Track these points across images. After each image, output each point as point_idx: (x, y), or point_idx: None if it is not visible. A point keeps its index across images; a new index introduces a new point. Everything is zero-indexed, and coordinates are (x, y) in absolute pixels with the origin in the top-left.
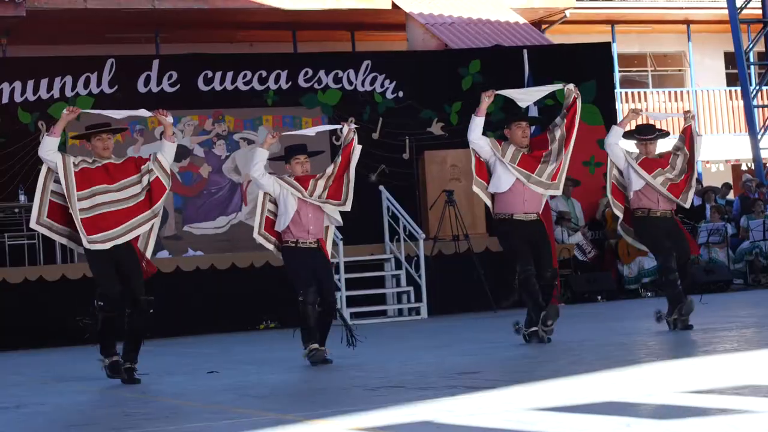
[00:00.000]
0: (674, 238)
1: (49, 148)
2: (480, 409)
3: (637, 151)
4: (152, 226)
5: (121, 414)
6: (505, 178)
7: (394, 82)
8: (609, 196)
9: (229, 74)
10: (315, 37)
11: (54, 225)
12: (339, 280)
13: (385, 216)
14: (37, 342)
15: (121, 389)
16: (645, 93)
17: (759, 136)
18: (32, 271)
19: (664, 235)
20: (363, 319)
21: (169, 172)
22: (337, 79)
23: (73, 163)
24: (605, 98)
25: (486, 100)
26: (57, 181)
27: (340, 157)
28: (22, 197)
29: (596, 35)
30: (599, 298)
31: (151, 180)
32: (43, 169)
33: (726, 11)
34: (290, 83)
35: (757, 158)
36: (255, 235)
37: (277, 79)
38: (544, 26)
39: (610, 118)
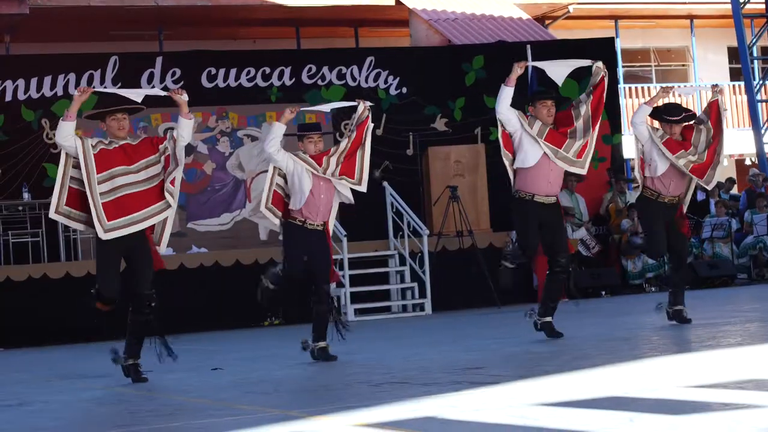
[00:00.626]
0: (672, 234)
1: (66, 133)
2: (484, 405)
3: (662, 130)
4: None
5: (126, 411)
6: (532, 152)
7: (398, 78)
8: (637, 172)
9: (233, 71)
10: (318, 33)
11: (72, 212)
12: (343, 276)
13: (389, 212)
14: (40, 340)
15: (125, 386)
16: (649, 88)
17: (762, 131)
18: (36, 269)
19: (662, 225)
20: (367, 316)
21: (181, 155)
22: (341, 76)
23: (91, 145)
24: (609, 93)
25: (518, 70)
26: (76, 166)
27: (354, 133)
28: (26, 195)
29: (600, 30)
30: (603, 293)
31: (165, 156)
32: (62, 156)
33: (729, 6)
34: (294, 80)
35: (760, 152)
36: (262, 208)
37: (280, 76)
38: (547, 22)
39: (613, 113)
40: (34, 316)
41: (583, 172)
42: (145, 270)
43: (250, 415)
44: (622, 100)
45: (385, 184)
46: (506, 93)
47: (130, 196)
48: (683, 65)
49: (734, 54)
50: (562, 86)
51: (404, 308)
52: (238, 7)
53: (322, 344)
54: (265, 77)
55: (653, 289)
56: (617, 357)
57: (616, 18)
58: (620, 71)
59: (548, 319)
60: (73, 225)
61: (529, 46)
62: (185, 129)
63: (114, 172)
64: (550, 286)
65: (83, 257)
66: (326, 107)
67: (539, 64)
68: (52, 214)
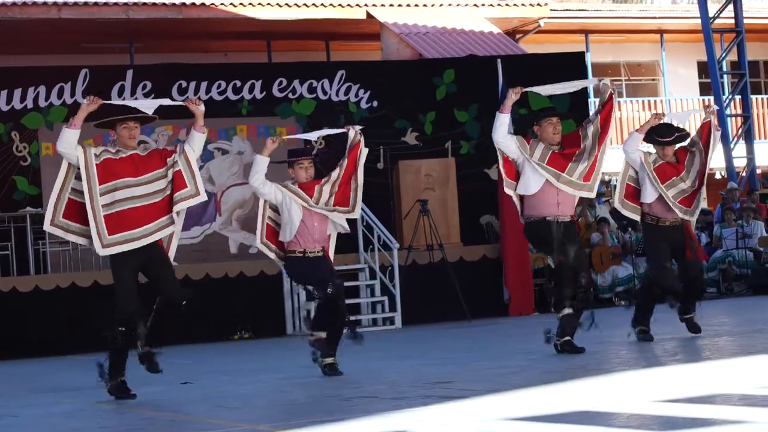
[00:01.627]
0: (680, 254)
1: (68, 141)
2: (453, 419)
3: (654, 153)
4: (176, 227)
5: (96, 426)
6: (534, 179)
7: (369, 92)
8: (620, 200)
9: (204, 84)
10: (290, 47)
11: (71, 225)
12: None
13: (360, 226)
14: (9, 353)
15: (96, 401)
16: (619, 102)
17: (732, 145)
18: (5, 282)
19: (668, 250)
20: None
21: (195, 171)
22: (312, 89)
23: (95, 154)
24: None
25: (513, 96)
26: (78, 177)
27: (346, 161)
28: None
29: (570, 45)
30: None
31: (174, 172)
32: (63, 166)
33: (699, 21)
34: (264, 93)
35: (730, 167)
36: (257, 243)
37: (251, 89)
38: (518, 36)
39: None
40: (2, 329)
41: (592, 195)
42: (169, 274)
43: (220, 430)
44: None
45: None
46: (501, 120)
47: (133, 211)
48: (653, 79)
49: (704, 68)
50: (532, 100)
51: (374, 322)
52: (210, 20)
53: (331, 360)
54: (236, 90)
55: (623, 303)
56: (586, 371)
57: (586, 32)
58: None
59: (568, 338)
60: (71, 238)
61: (499, 60)
62: (198, 143)
63: (117, 184)
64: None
65: (52, 270)
66: (313, 135)
67: (538, 89)
68: (47, 227)
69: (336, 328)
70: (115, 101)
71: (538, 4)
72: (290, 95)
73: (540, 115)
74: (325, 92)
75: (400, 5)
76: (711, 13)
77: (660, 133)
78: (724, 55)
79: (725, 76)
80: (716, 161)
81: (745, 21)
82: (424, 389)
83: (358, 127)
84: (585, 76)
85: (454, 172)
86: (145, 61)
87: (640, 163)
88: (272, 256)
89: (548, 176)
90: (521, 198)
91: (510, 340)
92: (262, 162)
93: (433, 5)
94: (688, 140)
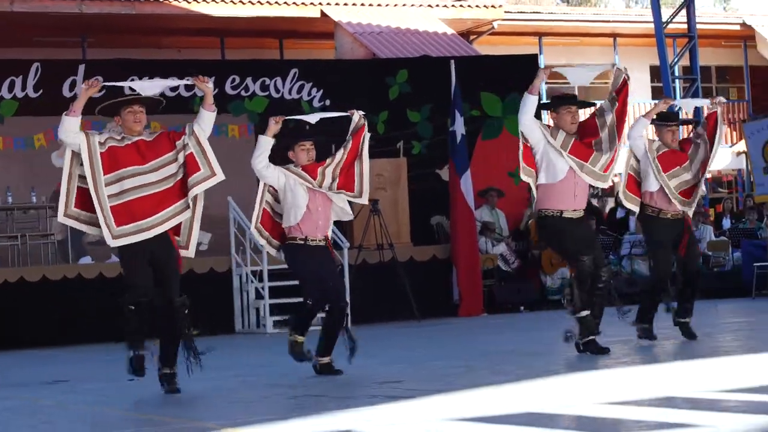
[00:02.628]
0: (685, 250)
1: (69, 128)
2: (400, 419)
3: (657, 140)
4: (195, 213)
5: (40, 423)
6: (560, 166)
7: (322, 91)
8: (622, 191)
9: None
10: (243, 44)
11: (82, 214)
12: (263, 288)
13: None
14: None
15: (44, 397)
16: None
17: None
18: None
19: (669, 244)
20: (286, 328)
21: (207, 151)
22: (265, 87)
23: (99, 142)
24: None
25: (542, 76)
26: (83, 164)
27: (350, 144)
28: None
29: (524, 47)
30: (522, 308)
31: (186, 155)
32: (67, 155)
33: (652, 25)
34: (217, 90)
35: None
36: (252, 228)
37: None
38: (472, 37)
39: None
40: None
41: (605, 185)
42: (172, 276)
43: (167, 426)
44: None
45: None
46: (531, 102)
47: (143, 200)
48: (606, 83)
49: (656, 73)
50: (484, 102)
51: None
52: (163, 16)
53: (327, 360)
54: (189, 87)
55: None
56: (534, 372)
57: (540, 35)
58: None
59: (592, 337)
60: (84, 228)
61: (453, 61)
62: (208, 121)
63: (123, 173)
64: (593, 301)
65: (21, 263)
66: (314, 117)
67: (563, 71)
68: (60, 218)
69: (334, 330)
70: (118, 83)
71: (492, 6)
72: (243, 93)
73: (557, 102)
74: (277, 90)
75: (354, 4)
76: (664, 18)
77: (663, 117)
78: (676, 59)
79: (677, 80)
80: None
81: (698, 26)
82: (371, 389)
83: (361, 112)
84: None
85: (406, 172)
86: (97, 56)
87: (644, 150)
88: (263, 242)
89: (573, 164)
90: (537, 189)
91: (459, 341)
92: (266, 143)
93: (387, 5)
94: (694, 132)
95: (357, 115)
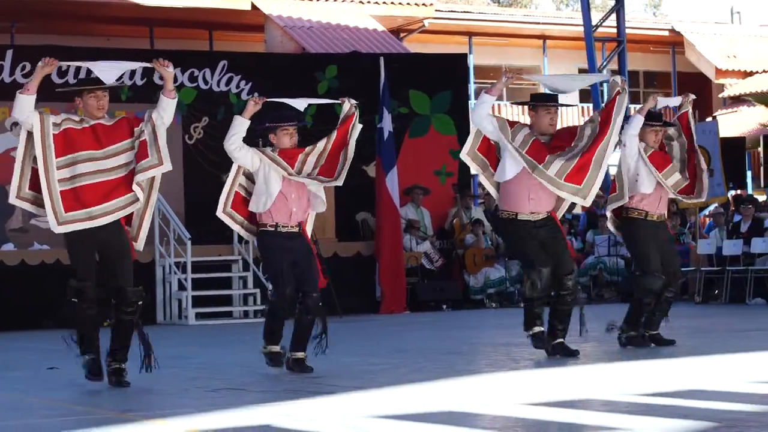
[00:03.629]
0: (666, 253)
1: (23, 107)
2: (319, 415)
3: (644, 142)
4: (148, 205)
5: None
6: (510, 164)
7: (250, 83)
8: (619, 196)
9: (84, 68)
10: (172, 34)
11: (38, 197)
12: (186, 280)
13: None
14: None
15: None
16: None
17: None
18: None
19: (656, 249)
20: (208, 320)
21: (159, 140)
22: (193, 78)
23: (54, 123)
24: (460, 109)
25: (505, 79)
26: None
27: (336, 132)
28: None
29: (454, 46)
30: (444, 306)
31: (140, 142)
32: (22, 135)
33: (582, 28)
34: (145, 80)
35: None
36: (219, 213)
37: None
38: (402, 35)
39: (463, 128)
40: None
41: (585, 203)
42: (125, 263)
43: (82, 417)
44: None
45: None
46: (485, 100)
47: (94, 186)
48: (534, 84)
49: None
50: (413, 100)
51: (246, 314)
52: (93, 4)
53: (300, 355)
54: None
55: (494, 304)
56: (454, 371)
57: (470, 34)
58: (472, 87)
59: (560, 340)
60: (36, 211)
61: (382, 58)
62: (168, 109)
63: (77, 157)
64: (556, 309)
65: None
66: (301, 102)
67: (541, 79)
68: (12, 200)
69: (306, 323)
70: (75, 63)
71: (423, 4)
72: None
73: (536, 99)
74: (206, 82)
75: None
76: (594, 22)
77: (651, 117)
78: (605, 63)
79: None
80: None
81: (627, 31)
82: (292, 383)
83: (353, 101)
84: (467, 78)
85: None
86: (26, 41)
87: (637, 151)
88: (237, 228)
89: (525, 164)
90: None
91: (380, 338)
92: (241, 124)
93: (318, 0)
94: (664, 132)
95: (348, 104)
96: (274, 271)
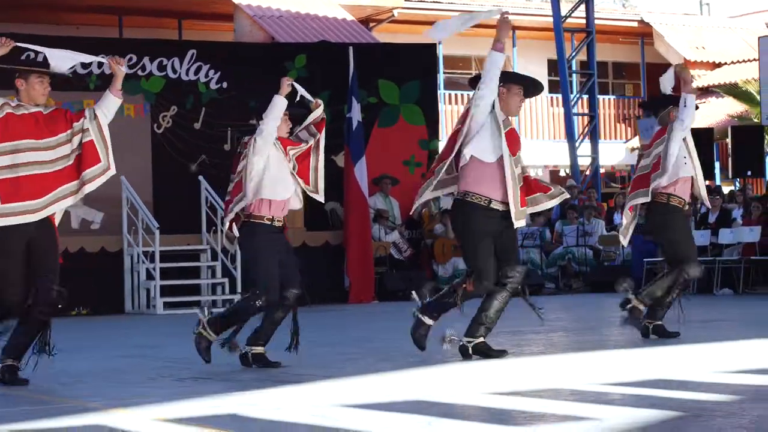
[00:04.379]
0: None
1: None
2: (285, 404)
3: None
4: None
5: None
6: (496, 144)
7: (219, 73)
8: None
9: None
10: (142, 23)
11: None
12: (154, 269)
13: (203, 206)
14: None
15: None
16: (468, 95)
17: (577, 143)
18: None
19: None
20: (176, 309)
21: (107, 141)
22: (162, 67)
23: None
24: (429, 99)
25: (507, 26)
26: None
27: (313, 138)
28: None
29: (423, 36)
30: (413, 296)
31: (83, 142)
32: None
33: (551, 19)
34: None
35: (574, 164)
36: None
37: (100, 64)
38: (371, 24)
39: (432, 118)
40: None
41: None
42: (52, 261)
43: (47, 406)
44: (442, 107)
45: (201, 178)
46: (500, 60)
47: (34, 178)
48: (469, 73)
49: (554, 67)
50: (382, 90)
51: (214, 303)
52: None
53: (261, 349)
54: (85, 65)
55: None
56: (422, 361)
57: None
58: (441, 77)
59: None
60: None
61: (351, 48)
62: (113, 107)
63: (19, 145)
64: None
65: None
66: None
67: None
68: None
69: (276, 319)
70: (32, 46)
71: None
72: (140, 72)
73: (512, 79)
74: (175, 71)
75: None
76: (563, 13)
77: (675, 100)
78: (574, 54)
79: (574, 75)
80: (561, 158)
81: (596, 22)
82: (259, 372)
83: (321, 105)
84: (436, 68)
85: None
86: None
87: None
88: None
89: (505, 151)
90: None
91: (348, 327)
92: (282, 105)
93: None
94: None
95: (320, 109)
96: (266, 268)
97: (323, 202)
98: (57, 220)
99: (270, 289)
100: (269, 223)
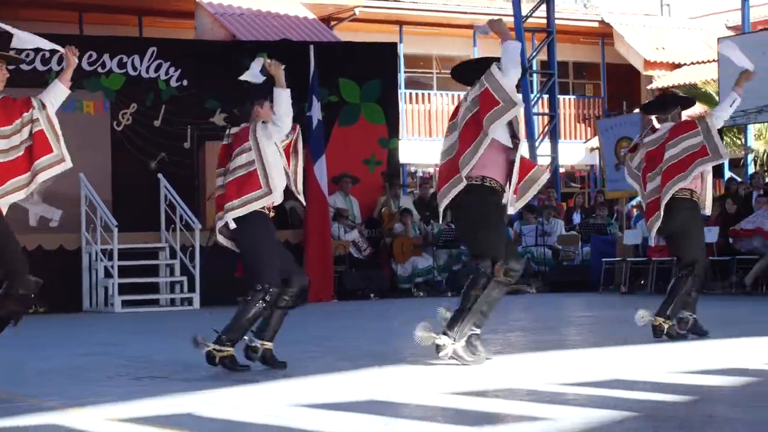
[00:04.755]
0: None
1: None
2: (243, 403)
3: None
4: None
5: None
6: (505, 129)
7: (179, 70)
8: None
9: (12, 53)
10: (102, 20)
11: None
12: (112, 267)
13: (162, 204)
14: None
15: None
16: (429, 95)
17: (537, 143)
18: None
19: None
20: (134, 308)
21: (58, 130)
22: (122, 64)
23: None
24: (389, 98)
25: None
26: None
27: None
28: None
29: (384, 35)
30: (372, 295)
31: (33, 132)
32: None
33: (512, 19)
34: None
35: None
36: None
37: (60, 61)
38: (333, 23)
39: (393, 117)
40: None
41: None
42: (13, 249)
43: (6, 404)
44: (402, 105)
45: (160, 175)
46: (517, 48)
47: None
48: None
49: None
50: (342, 88)
51: (172, 302)
52: None
53: (269, 345)
54: (45, 61)
55: (421, 293)
56: (380, 360)
57: (400, 23)
58: (402, 76)
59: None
60: None
61: (312, 46)
62: (61, 97)
63: None
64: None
65: None
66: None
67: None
68: None
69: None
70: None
71: None
72: (99, 69)
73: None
74: (135, 68)
75: None
76: (524, 12)
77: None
78: (534, 54)
79: (534, 75)
80: None
81: (557, 22)
82: (217, 371)
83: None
84: (396, 67)
85: None
86: None
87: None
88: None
89: (510, 137)
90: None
91: (307, 327)
92: (288, 96)
93: None
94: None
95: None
96: (270, 260)
97: (304, 205)
98: (5, 211)
99: (273, 280)
100: (268, 212)
